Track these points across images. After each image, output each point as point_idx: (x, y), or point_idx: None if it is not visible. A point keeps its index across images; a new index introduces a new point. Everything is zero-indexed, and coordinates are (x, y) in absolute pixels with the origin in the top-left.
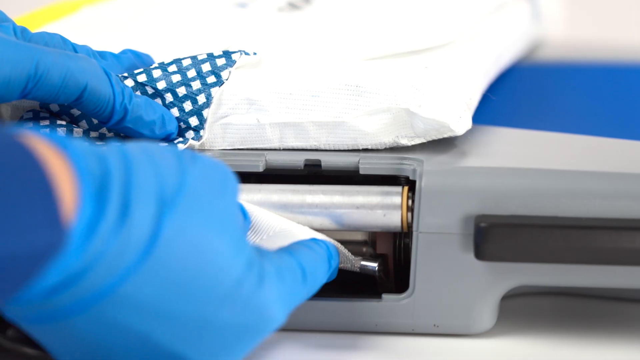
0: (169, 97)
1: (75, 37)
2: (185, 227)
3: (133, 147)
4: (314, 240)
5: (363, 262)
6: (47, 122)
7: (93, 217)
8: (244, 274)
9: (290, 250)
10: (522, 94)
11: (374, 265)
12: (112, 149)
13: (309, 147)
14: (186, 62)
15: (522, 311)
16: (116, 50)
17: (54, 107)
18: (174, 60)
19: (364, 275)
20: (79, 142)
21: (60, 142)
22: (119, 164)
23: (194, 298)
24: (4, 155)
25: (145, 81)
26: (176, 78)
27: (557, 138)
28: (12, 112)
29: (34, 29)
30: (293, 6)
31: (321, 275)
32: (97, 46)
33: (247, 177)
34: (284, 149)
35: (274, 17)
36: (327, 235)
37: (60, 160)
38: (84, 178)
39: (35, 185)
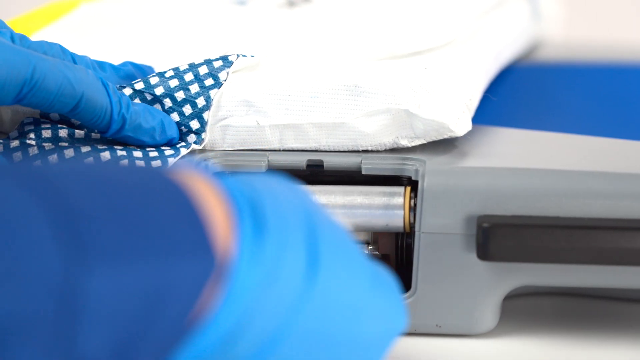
0: (167, 103)
1: (75, 37)
2: (331, 246)
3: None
4: None
5: (370, 248)
6: (47, 125)
7: (253, 246)
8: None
9: None
10: (523, 94)
11: (378, 253)
12: (249, 182)
13: (309, 149)
14: (183, 67)
15: (524, 311)
16: (115, 58)
17: (54, 117)
18: (171, 68)
19: None
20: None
21: (210, 173)
22: (268, 192)
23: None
24: (160, 193)
25: (143, 88)
26: (174, 83)
27: (559, 138)
28: (13, 115)
29: (35, 28)
30: (292, 4)
31: None
32: (96, 45)
33: None
34: (284, 150)
35: (273, 15)
36: None
37: (214, 193)
38: (240, 208)
39: (188, 217)
